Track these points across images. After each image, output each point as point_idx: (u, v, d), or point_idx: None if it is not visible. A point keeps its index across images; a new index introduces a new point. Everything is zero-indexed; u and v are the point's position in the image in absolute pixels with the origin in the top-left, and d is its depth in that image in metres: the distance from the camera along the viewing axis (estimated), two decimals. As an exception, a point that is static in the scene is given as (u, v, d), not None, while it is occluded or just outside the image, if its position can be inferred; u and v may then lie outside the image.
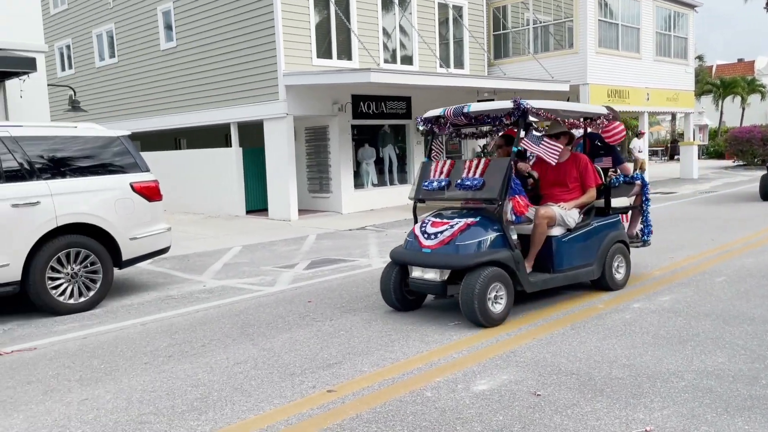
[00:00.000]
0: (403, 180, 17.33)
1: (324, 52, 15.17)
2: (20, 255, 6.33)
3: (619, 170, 7.08)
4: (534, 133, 6.29)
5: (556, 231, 6.06)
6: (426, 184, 6.20)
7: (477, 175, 5.82)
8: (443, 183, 6.04)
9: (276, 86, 14.28)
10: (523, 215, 5.75)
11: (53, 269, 6.54)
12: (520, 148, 5.86)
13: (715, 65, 56.52)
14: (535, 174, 6.57)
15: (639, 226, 7.37)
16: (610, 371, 4.35)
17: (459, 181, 5.90)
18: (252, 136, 16.49)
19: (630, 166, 7.68)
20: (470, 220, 5.64)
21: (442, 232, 5.66)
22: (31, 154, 6.56)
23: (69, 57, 21.64)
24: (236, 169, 15.45)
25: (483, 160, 5.93)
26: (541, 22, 19.71)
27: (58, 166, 6.75)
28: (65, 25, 21.49)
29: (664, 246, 9.20)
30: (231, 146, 15.87)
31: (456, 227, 5.62)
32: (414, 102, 16.92)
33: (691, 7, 23.01)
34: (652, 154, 37.82)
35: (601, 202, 6.70)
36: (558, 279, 6.03)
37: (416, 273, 5.76)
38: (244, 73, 15.06)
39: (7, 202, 6.25)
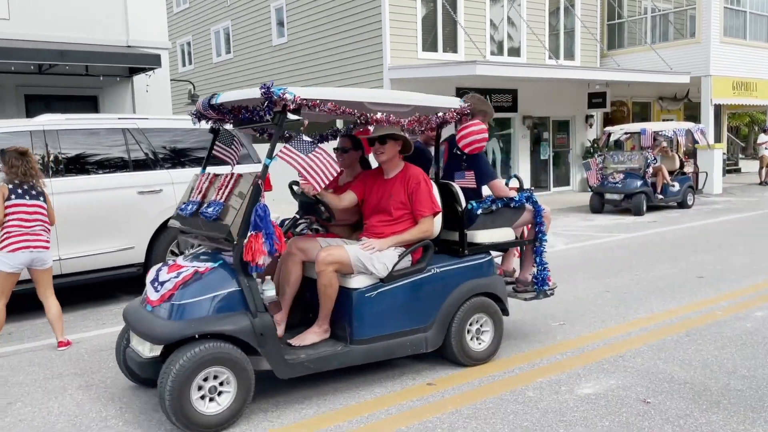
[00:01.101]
0: (507, 174, 17.03)
1: (430, 45, 15.16)
2: (144, 239, 6.81)
3: (491, 190, 4.87)
4: (304, 137, 3.96)
5: (358, 282, 4.10)
6: (183, 206, 4.40)
7: (222, 198, 3.97)
8: (194, 207, 4.20)
9: (381, 80, 14.44)
10: (255, 263, 3.66)
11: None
12: (274, 159, 3.81)
13: None
14: (329, 199, 4.33)
15: (532, 270, 5.14)
16: (728, 382, 4.08)
17: (204, 206, 4.10)
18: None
19: (510, 184, 5.51)
20: (205, 265, 3.83)
21: (169, 281, 3.84)
22: (155, 145, 7.03)
23: (189, 53, 22.95)
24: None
25: (236, 175, 4.00)
26: (660, 11, 18.66)
27: (178, 157, 7.19)
28: (186, 23, 22.80)
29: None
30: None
31: (182, 275, 3.81)
32: (520, 95, 16.55)
33: (834, -11, 20.91)
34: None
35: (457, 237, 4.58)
36: (356, 354, 4.02)
37: (133, 342, 3.95)
38: (351, 67, 15.33)
39: (134, 189, 6.74)
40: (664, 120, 20.92)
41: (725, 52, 17.70)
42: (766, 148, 19.51)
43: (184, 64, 23.36)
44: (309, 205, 4.39)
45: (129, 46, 11.32)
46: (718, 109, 20.88)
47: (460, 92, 15.31)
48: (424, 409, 3.82)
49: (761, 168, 19.46)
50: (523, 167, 17.08)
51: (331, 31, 15.84)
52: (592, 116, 18.60)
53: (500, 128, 16.91)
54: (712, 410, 3.69)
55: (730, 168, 24.31)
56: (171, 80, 14.14)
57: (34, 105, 10.76)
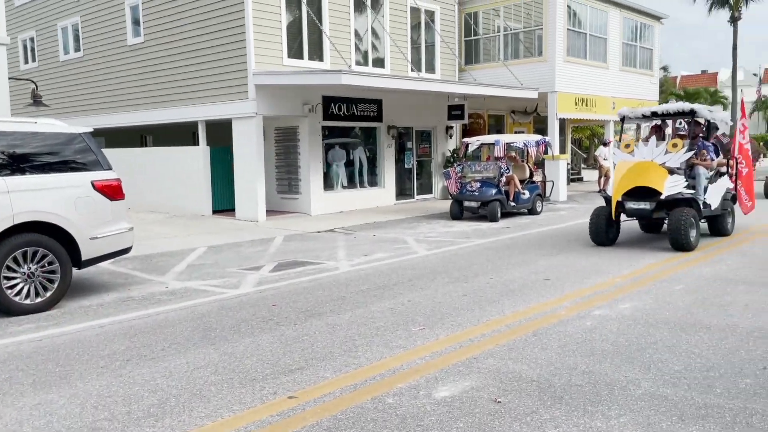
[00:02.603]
0: (373, 182, 17.33)
1: (295, 52, 15.09)
2: (-26, 253, 6.14)
3: None
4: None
5: None
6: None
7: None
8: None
9: (245, 85, 14.15)
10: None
11: (9, 268, 6.35)
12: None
13: (679, 76, 57.91)
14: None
15: None
16: (570, 378, 4.40)
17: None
18: (220, 134, 16.31)
19: None
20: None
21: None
22: (-13, 150, 6.37)
23: (32, 50, 21.13)
24: (203, 168, 15.26)
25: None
26: (511, 30, 19.91)
27: (16, 163, 6.57)
28: (29, 17, 20.97)
29: (627, 254, 9.37)
30: (198, 145, 15.67)
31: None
32: (385, 105, 16.94)
33: (657, 18, 23.50)
34: (618, 161, 38.39)
35: None
36: None
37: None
38: (213, 71, 14.88)
39: (-38, 198, 6.06)
40: (516, 132, 22.36)
41: (568, 71, 19.26)
42: (604, 159, 21.43)
43: (26, 62, 21.45)
44: None
45: (-42, 40, 10.21)
46: (562, 123, 22.69)
47: (326, 100, 15.39)
48: (284, 424, 3.76)
49: (600, 177, 21.31)
50: (388, 175, 17.46)
51: (191, 33, 15.27)
52: (451, 127, 19.44)
53: (366, 137, 17.19)
54: (555, 406, 3.95)
55: (574, 177, 26.44)
56: (10, 79, 12.89)
57: None
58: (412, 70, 17.68)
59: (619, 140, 10.52)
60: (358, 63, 16.57)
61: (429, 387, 4.28)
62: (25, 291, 6.47)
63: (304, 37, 15.29)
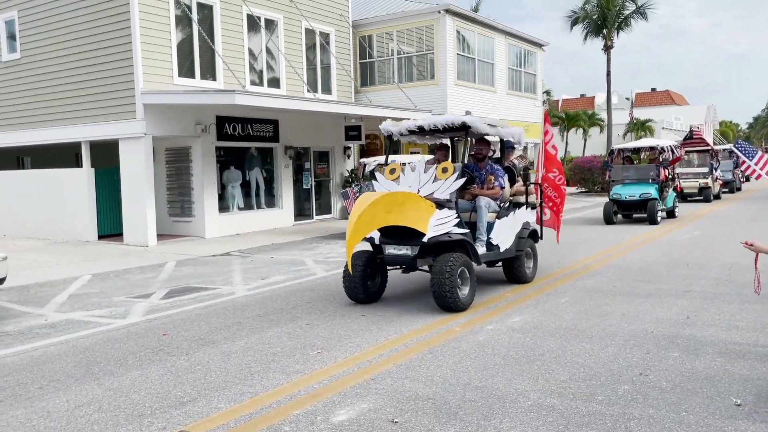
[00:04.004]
0: (270, 204, 17.09)
1: (187, 71, 14.70)
2: None
3: None
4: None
5: None
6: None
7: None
8: None
9: (133, 104, 13.59)
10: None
11: None
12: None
13: (561, 99, 61.67)
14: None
15: None
16: (464, 394, 4.52)
17: None
18: (106, 155, 15.53)
19: None
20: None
21: None
22: None
23: None
24: (87, 190, 14.45)
25: None
26: (405, 53, 20.44)
27: None
28: None
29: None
30: (82, 166, 14.83)
31: None
32: (282, 125, 16.82)
33: (539, 46, 24.98)
34: (508, 180, 40.15)
35: None
36: None
37: None
38: (97, 89, 14.19)
39: None
40: (411, 153, 22.86)
41: (459, 93, 20.01)
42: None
43: None
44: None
45: None
46: (454, 144, 23.44)
47: (220, 120, 15.06)
48: (175, 460, 3.59)
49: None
50: (286, 196, 17.29)
51: (74, 49, 14.51)
52: (349, 148, 19.59)
53: (262, 158, 16.96)
54: (450, 422, 4.04)
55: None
56: None
57: None
58: (308, 91, 17.70)
59: (385, 163, 8.12)
60: (253, 83, 16.38)
61: (326, 411, 4.24)
62: None
63: (196, 56, 14.94)
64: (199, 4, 14.96)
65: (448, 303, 6.86)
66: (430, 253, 7.32)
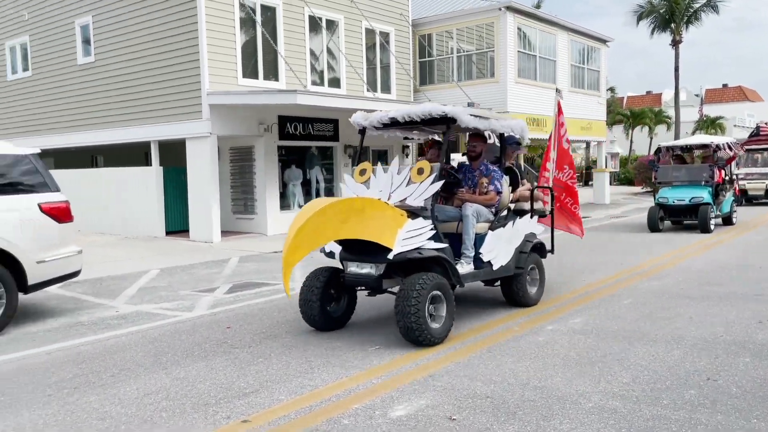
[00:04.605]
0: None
1: (250, 71, 15.06)
2: None
3: None
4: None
5: None
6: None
7: None
8: None
9: (199, 105, 14.03)
10: None
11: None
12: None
13: (625, 97, 59.94)
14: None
15: None
16: (522, 393, 4.47)
17: None
18: (174, 154, 16.09)
19: None
20: None
21: None
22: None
23: (-23, 68, 20.51)
24: (156, 188, 15.01)
25: None
26: (464, 52, 20.32)
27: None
28: (-27, 35, 20.38)
29: (577, 268, 9.59)
30: (151, 165, 15.42)
31: None
32: (341, 124, 17.01)
33: (603, 42, 24.35)
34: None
35: None
36: None
37: None
38: (166, 90, 14.72)
39: None
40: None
41: (519, 91, 19.73)
42: (556, 178, 21.97)
43: (-30, 80, 20.79)
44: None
45: None
46: (516, 142, 23.13)
47: (282, 120, 15.36)
48: (239, 448, 3.71)
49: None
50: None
51: (144, 52, 15.10)
52: (407, 146, 19.63)
53: (323, 157, 17.21)
54: (509, 422, 4.01)
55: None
56: (-48, 98, 12.50)
57: None
58: (367, 90, 17.83)
59: (355, 163, 6.86)
60: (314, 83, 16.63)
61: (385, 407, 4.29)
62: (-34, 318, 6.22)
63: (260, 57, 15.30)
64: (263, 6, 15.31)
65: (414, 336, 5.48)
66: (400, 271, 6.00)
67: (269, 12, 15.53)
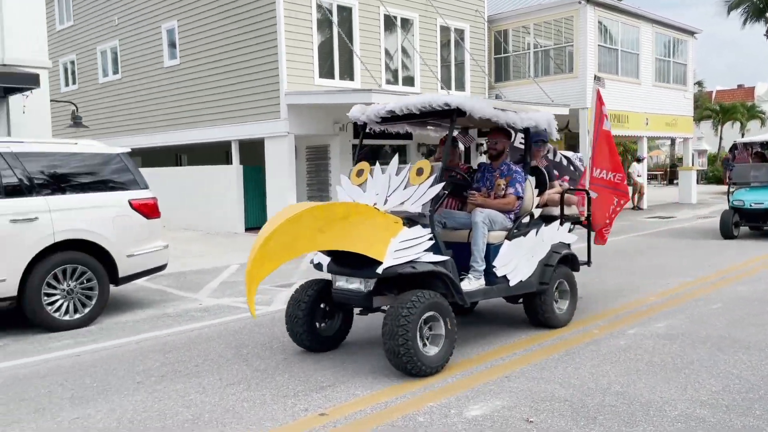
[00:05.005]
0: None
1: (326, 72, 15.31)
2: (17, 270, 6.33)
3: None
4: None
5: None
6: None
7: None
8: None
9: (278, 105, 14.39)
10: None
11: (49, 285, 6.53)
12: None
13: (714, 91, 56.97)
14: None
15: None
16: (603, 398, 4.34)
17: None
18: (253, 153, 16.57)
19: None
20: None
21: None
22: (31, 170, 6.60)
23: (73, 72, 21.81)
24: (236, 186, 15.51)
25: None
26: (541, 47, 19.88)
27: (57, 183, 6.78)
28: (70, 41, 21.68)
29: (660, 271, 9.21)
30: (231, 163, 15.95)
31: None
32: (414, 123, 17.00)
33: (691, 33, 23.23)
34: (651, 178, 37.94)
35: None
36: None
37: None
38: (246, 91, 15.18)
39: (6, 217, 6.27)
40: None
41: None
42: (638, 176, 21.17)
43: (67, 84, 22.15)
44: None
45: (4, 65, 10.61)
46: (595, 139, 22.45)
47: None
48: (316, 441, 3.78)
49: (634, 193, 21.03)
50: (418, 193, 17.47)
51: (225, 54, 15.62)
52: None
53: (398, 155, 17.26)
54: (589, 426, 3.90)
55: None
56: (51, 101, 13.34)
57: None
58: (441, 87, 17.76)
59: (354, 162, 6.23)
60: (388, 82, 16.72)
61: (460, 406, 4.26)
62: (64, 307, 6.64)
63: (335, 57, 15.52)
64: (339, 7, 15.52)
65: (401, 362, 4.70)
66: (394, 287, 5.23)
67: (345, 12, 15.73)
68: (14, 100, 10.96)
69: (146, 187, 7.48)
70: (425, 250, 5.00)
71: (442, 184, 5.21)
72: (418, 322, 4.72)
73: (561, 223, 6.37)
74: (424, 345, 4.86)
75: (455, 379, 4.79)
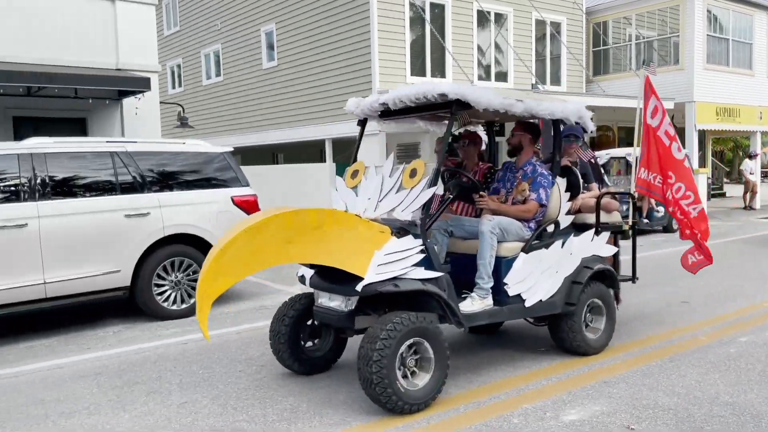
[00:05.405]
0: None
1: (418, 69, 15.34)
2: (131, 262, 6.79)
3: None
4: None
5: None
6: None
7: None
8: None
9: (370, 104, 14.55)
10: None
11: (159, 276, 6.96)
12: None
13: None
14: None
15: None
16: (710, 409, 4.11)
17: None
18: (345, 150, 16.87)
19: None
20: None
21: None
22: (143, 168, 7.04)
23: (179, 76, 23.05)
24: (329, 183, 15.85)
25: None
26: (644, 38, 19.01)
27: (166, 180, 7.20)
28: (176, 46, 22.92)
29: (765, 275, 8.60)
30: (325, 161, 16.32)
31: None
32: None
33: (813, 19, 21.44)
34: (765, 176, 35.35)
35: None
36: None
37: None
38: (339, 90, 15.47)
39: (122, 212, 6.73)
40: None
41: (708, 79, 18.03)
42: (750, 173, 19.79)
43: (173, 87, 23.43)
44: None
45: (119, 69, 11.37)
46: (702, 135, 21.21)
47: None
48: (410, 436, 3.81)
49: (745, 192, 19.73)
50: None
51: (320, 55, 15.99)
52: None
53: (489, 151, 17.03)
54: (695, 437, 3.71)
55: (715, 192, 24.61)
56: (160, 103, 14.16)
57: (23, 127, 10.75)
58: (536, 83, 17.35)
59: (352, 161, 5.56)
60: (480, 78, 16.54)
61: (556, 409, 4.16)
62: (172, 297, 7.05)
63: (427, 55, 15.52)
64: (432, 4, 15.50)
65: (375, 393, 4.00)
66: (383, 306, 4.49)
67: (437, 9, 15.69)
68: (127, 102, 11.70)
69: (247, 185, 7.79)
70: (415, 265, 4.27)
71: (435, 188, 4.44)
72: (396, 348, 3.98)
73: (597, 233, 5.37)
74: (405, 376, 4.13)
75: (551, 382, 4.68)
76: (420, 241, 4.35)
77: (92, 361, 5.52)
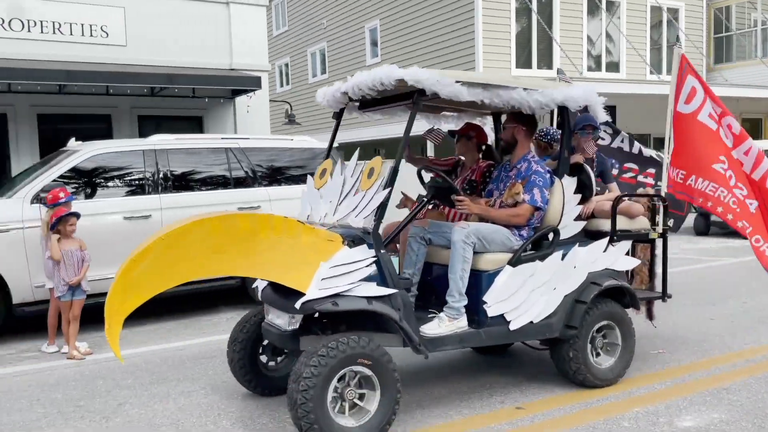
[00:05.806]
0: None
1: (524, 61, 15.02)
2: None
3: None
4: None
5: None
6: None
7: None
8: None
9: (474, 98, 14.42)
10: None
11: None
12: None
13: None
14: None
15: None
16: None
17: None
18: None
19: None
20: None
21: None
22: (254, 164, 7.37)
23: (287, 74, 23.89)
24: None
25: None
26: (772, 21, 17.59)
27: (275, 175, 7.50)
28: (284, 46, 23.76)
29: None
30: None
31: None
32: (620, 111, 16.02)
33: None
34: None
35: None
36: None
37: None
38: (443, 85, 15.44)
39: (235, 205, 7.08)
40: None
41: None
42: None
43: (281, 85, 24.32)
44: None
45: (232, 69, 11.95)
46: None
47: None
48: (513, 433, 3.77)
49: None
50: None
51: (423, 50, 16.02)
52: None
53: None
54: (829, 453, 3.41)
55: None
56: (269, 101, 14.75)
57: (146, 125, 11.56)
58: (651, 72, 16.50)
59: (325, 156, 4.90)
60: (589, 68, 15.95)
61: (670, 414, 3.96)
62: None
63: (533, 46, 15.16)
64: (538, -6, 15.13)
65: None
66: (336, 325, 3.86)
67: (545, -1, 15.28)
68: (240, 100, 12.29)
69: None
70: (365, 279, 3.62)
71: (389, 189, 3.82)
72: (327, 381, 3.36)
73: (611, 242, 4.50)
74: (344, 413, 3.52)
75: (665, 386, 4.46)
76: (371, 253, 3.69)
77: (208, 344, 5.84)
